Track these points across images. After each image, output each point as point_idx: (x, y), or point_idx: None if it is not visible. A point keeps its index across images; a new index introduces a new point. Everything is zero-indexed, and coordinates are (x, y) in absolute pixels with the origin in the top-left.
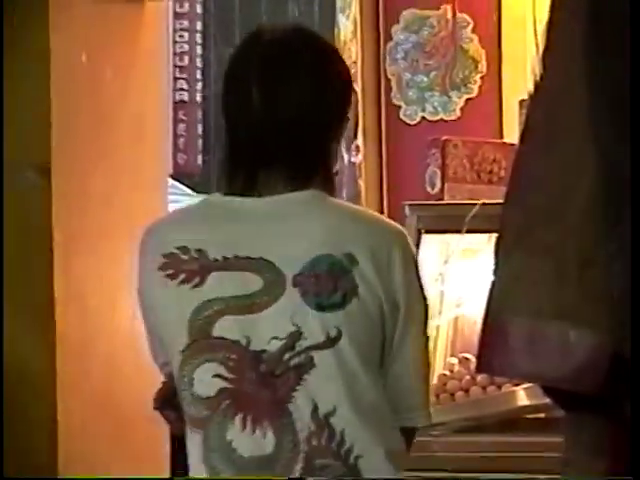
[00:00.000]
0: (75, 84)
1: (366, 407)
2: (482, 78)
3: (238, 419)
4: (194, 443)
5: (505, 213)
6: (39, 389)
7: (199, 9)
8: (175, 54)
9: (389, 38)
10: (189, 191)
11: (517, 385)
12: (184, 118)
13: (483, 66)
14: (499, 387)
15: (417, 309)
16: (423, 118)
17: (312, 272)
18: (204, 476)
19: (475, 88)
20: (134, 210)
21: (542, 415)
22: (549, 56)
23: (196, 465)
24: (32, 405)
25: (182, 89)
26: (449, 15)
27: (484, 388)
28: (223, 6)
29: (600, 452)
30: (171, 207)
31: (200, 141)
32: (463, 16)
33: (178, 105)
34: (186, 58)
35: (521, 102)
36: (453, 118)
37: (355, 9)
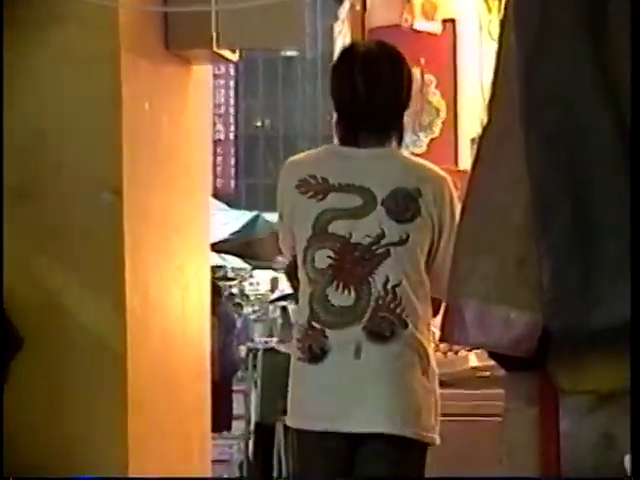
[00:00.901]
0: (140, 125)
1: (417, 284)
2: (442, 122)
3: (335, 283)
4: (305, 295)
5: (462, 221)
6: (115, 354)
7: (232, 71)
8: (214, 105)
9: None
10: (225, 207)
11: (469, 351)
12: (220, 152)
13: (443, 113)
14: (456, 353)
15: (453, 230)
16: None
17: (393, 197)
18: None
19: (437, 130)
20: (184, 221)
21: (488, 373)
22: (493, 105)
23: (302, 307)
24: (109, 364)
25: (219, 130)
26: (418, 76)
27: (445, 353)
28: (248, 69)
29: (532, 401)
30: (212, 219)
31: (233, 170)
32: (429, 77)
33: (216, 142)
34: (222, 107)
35: (472, 140)
36: (421, 152)
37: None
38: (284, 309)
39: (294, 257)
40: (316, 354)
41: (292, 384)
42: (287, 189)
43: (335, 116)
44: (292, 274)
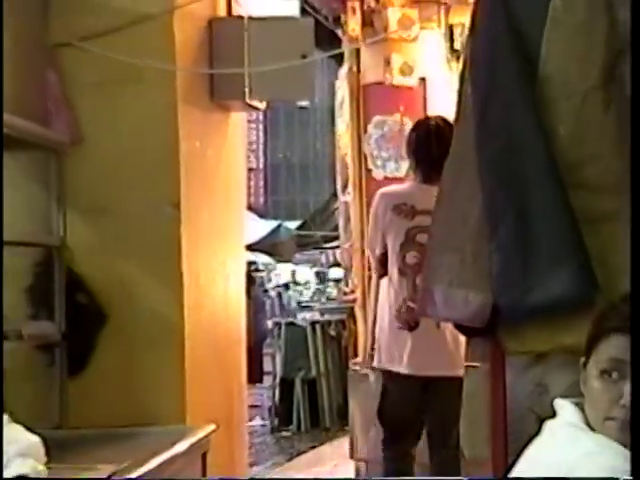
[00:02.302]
0: (193, 157)
1: None
2: None
3: (420, 275)
4: (400, 283)
5: (432, 227)
6: (172, 330)
7: (261, 117)
8: (248, 142)
9: (365, 132)
10: (256, 217)
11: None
12: (253, 177)
13: None
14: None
15: None
16: (385, 177)
17: None
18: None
19: None
20: (226, 228)
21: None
22: (455, 139)
23: (398, 291)
24: (166, 338)
25: (251, 160)
26: (399, 119)
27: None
28: (272, 115)
29: (485, 359)
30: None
31: (262, 190)
32: (407, 119)
33: (250, 170)
34: (254, 144)
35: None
36: (401, 175)
37: (346, 115)
38: (279, 294)
39: (383, 253)
40: (411, 325)
41: (390, 344)
42: (383, 212)
43: (414, 164)
44: (384, 263)
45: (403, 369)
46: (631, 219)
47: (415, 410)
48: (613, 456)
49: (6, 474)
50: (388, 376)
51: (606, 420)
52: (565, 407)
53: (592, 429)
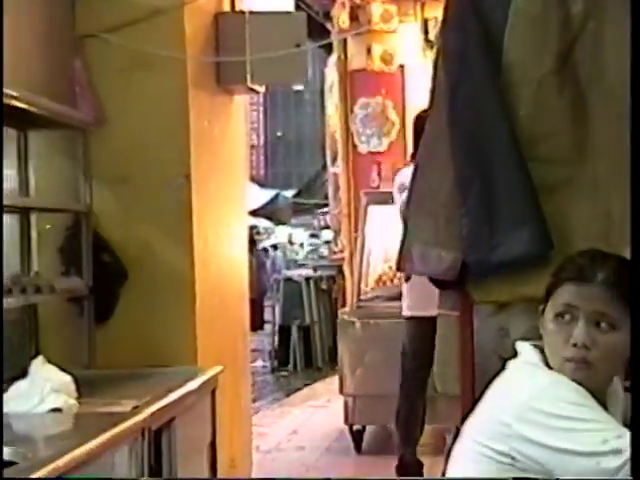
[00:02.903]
0: (201, 135)
1: None
2: (397, 132)
3: None
4: None
5: (410, 195)
6: (184, 284)
7: (261, 100)
8: (250, 121)
9: (352, 112)
10: (257, 187)
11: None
12: (254, 152)
13: (398, 125)
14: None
15: None
16: (368, 151)
17: None
18: None
19: (394, 136)
20: (230, 196)
21: None
22: (429, 118)
23: None
24: (179, 291)
25: (253, 138)
26: (381, 101)
27: (400, 279)
28: (271, 97)
29: (456, 308)
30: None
31: (262, 163)
32: (388, 101)
33: (252, 146)
34: (255, 123)
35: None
36: (382, 151)
37: (335, 98)
38: (265, 250)
39: None
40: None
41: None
42: (397, 189)
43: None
44: None
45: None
46: (631, 219)
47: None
48: (565, 389)
49: (42, 408)
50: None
51: (565, 362)
52: (525, 348)
53: (550, 367)
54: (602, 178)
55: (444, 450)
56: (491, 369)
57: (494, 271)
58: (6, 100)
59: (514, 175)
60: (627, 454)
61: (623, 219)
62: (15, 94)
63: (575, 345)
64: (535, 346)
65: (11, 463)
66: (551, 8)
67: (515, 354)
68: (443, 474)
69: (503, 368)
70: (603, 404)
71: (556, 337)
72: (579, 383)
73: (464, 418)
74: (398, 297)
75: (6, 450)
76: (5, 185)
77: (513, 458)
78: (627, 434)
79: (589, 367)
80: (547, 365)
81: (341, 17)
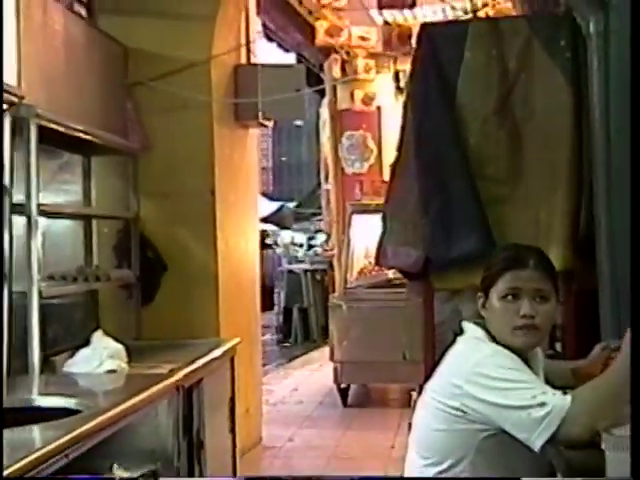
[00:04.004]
0: (224, 159)
1: None
2: (375, 157)
3: None
4: None
5: (385, 206)
6: (210, 274)
7: (270, 132)
8: (260, 149)
9: (340, 142)
10: (266, 200)
11: (389, 270)
12: (264, 172)
13: (375, 152)
14: (383, 270)
15: None
16: (353, 172)
17: None
18: None
19: (372, 160)
20: (245, 206)
21: (399, 282)
22: (401, 149)
23: None
24: (206, 280)
25: (263, 161)
26: (362, 134)
27: (377, 271)
28: (277, 130)
29: (420, 294)
30: (259, 206)
31: (270, 181)
32: (367, 134)
33: (262, 168)
34: (265, 150)
35: (390, 165)
36: (363, 172)
37: (327, 130)
38: (273, 248)
39: None
40: None
41: None
42: None
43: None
44: None
45: None
46: (631, 220)
47: None
48: (503, 357)
49: (101, 370)
50: None
51: (516, 330)
52: (470, 326)
53: (495, 341)
54: (532, 194)
55: (410, 403)
56: (447, 341)
57: (450, 265)
58: (75, 133)
59: (465, 191)
60: (550, 406)
61: (548, 225)
62: (81, 128)
63: (524, 316)
64: (477, 324)
65: (77, 411)
66: (492, 64)
67: (461, 331)
68: (410, 424)
69: (455, 341)
70: (530, 367)
71: (505, 313)
72: (523, 348)
73: (426, 379)
74: (376, 285)
75: (73, 401)
76: (72, 198)
77: (463, 412)
78: (549, 390)
79: (535, 331)
80: (491, 338)
81: (333, 69)
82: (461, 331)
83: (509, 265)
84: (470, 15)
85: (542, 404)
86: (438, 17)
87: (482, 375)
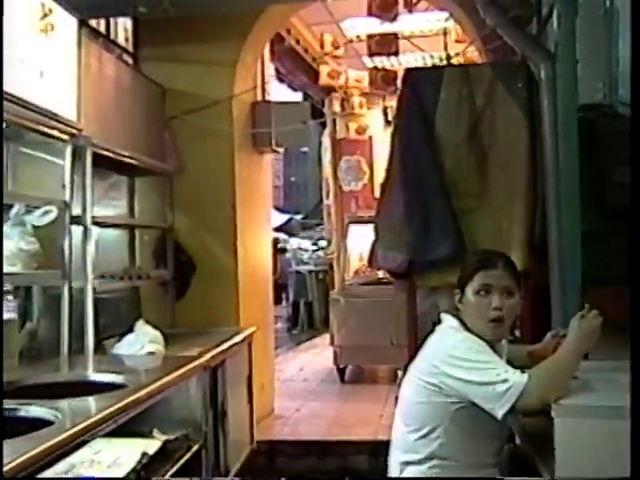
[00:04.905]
0: (243, 179)
1: None
2: (368, 178)
3: None
4: None
5: (377, 217)
6: (231, 274)
7: (281, 157)
8: (273, 170)
9: (338, 165)
10: (278, 213)
11: (378, 270)
12: (275, 190)
13: (368, 173)
14: (374, 271)
15: None
16: (349, 190)
17: None
18: None
19: (365, 180)
20: (260, 218)
21: (387, 280)
22: (389, 170)
23: None
24: (228, 279)
25: (275, 181)
26: (356, 158)
27: (369, 271)
28: (287, 155)
29: (405, 290)
30: (272, 218)
31: (282, 197)
32: (362, 159)
33: (275, 186)
34: (277, 171)
35: (380, 184)
36: (358, 190)
37: (328, 155)
38: (284, 252)
39: None
40: None
41: None
42: None
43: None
44: None
45: None
46: (631, 220)
47: None
48: (473, 343)
49: (142, 352)
50: None
51: (489, 322)
52: (447, 317)
53: (468, 330)
54: (495, 207)
55: (396, 380)
56: (427, 330)
57: (429, 266)
58: (122, 158)
59: (441, 205)
60: (510, 382)
61: (509, 232)
62: (127, 154)
63: (495, 308)
64: (454, 316)
65: (123, 386)
66: (463, 100)
67: (439, 321)
68: (396, 397)
69: (433, 329)
70: (495, 351)
71: (479, 306)
72: (494, 339)
73: (409, 360)
74: (368, 283)
75: (119, 377)
76: (119, 211)
77: (440, 387)
78: (510, 369)
79: (502, 322)
80: (466, 328)
81: (333, 105)
82: (439, 321)
83: (482, 265)
84: (445, 62)
85: (504, 380)
86: (419, 63)
87: (455, 357)
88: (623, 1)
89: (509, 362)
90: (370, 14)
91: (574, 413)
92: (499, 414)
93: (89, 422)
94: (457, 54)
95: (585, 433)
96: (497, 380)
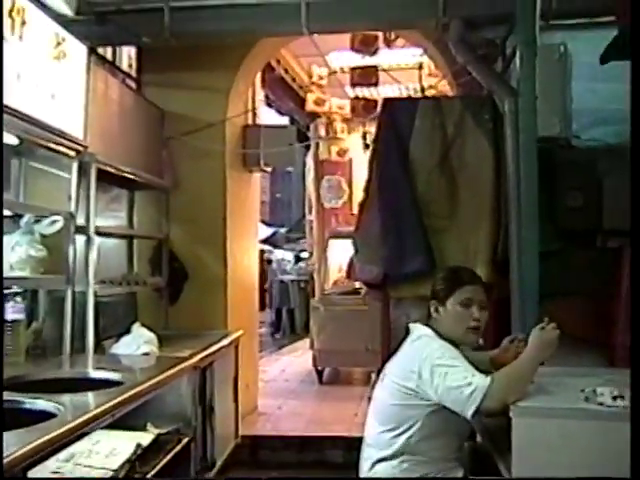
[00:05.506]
0: (233, 195)
1: None
2: (347, 196)
3: None
4: None
5: (356, 233)
6: (221, 281)
7: (268, 175)
8: (261, 187)
9: (320, 183)
10: (264, 226)
11: (355, 281)
12: (263, 205)
13: (347, 192)
14: (351, 282)
15: None
16: (330, 207)
17: None
18: None
19: (345, 198)
20: (248, 230)
21: (362, 291)
22: (368, 190)
23: None
24: (218, 286)
25: (262, 197)
26: (337, 178)
27: (348, 282)
28: (274, 174)
29: (380, 300)
30: (259, 230)
31: (268, 211)
32: (342, 178)
33: (262, 202)
34: (265, 188)
35: (359, 203)
36: (338, 207)
37: (311, 175)
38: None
39: None
40: None
41: None
42: None
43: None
44: None
45: None
46: (631, 220)
47: None
48: (447, 349)
49: (138, 352)
50: None
51: (467, 329)
52: (419, 326)
53: (443, 338)
54: (463, 227)
55: (370, 383)
56: (399, 337)
57: (402, 279)
58: (123, 174)
59: (415, 224)
60: (474, 386)
61: (475, 250)
62: (128, 170)
63: (475, 319)
64: (427, 325)
65: (120, 383)
66: (435, 129)
67: (407, 330)
68: (369, 398)
69: (406, 336)
70: (465, 357)
71: (461, 317)
72: (472, 343)
73: (382, 364)
74: (346, 292)
75: (117, 375)
76: (120, 222)
77: (416, 392)
78: (477, 374)
79: (479, 330)
80: (437, 336)
81: (318, 129)
82: (407, 330)
83: (466, 281)
84: (420, 93)
85: (469, 384)
86: (396, 93)
87: (432, 364)
88: (576, 47)
89: (475, 367)
90: (353, 49)
91: (530, 414)
92: (468, 415)
93: (89, 415)
94: (431, 87)
95: (539, 432)
96: (463, 383)
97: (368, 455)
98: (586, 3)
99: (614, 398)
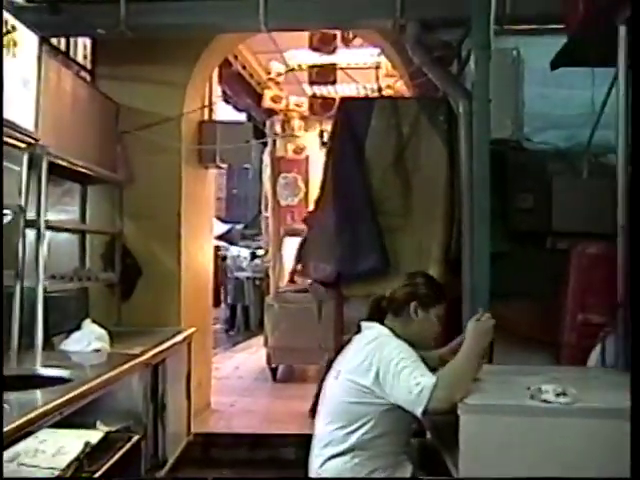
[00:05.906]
0: (188, 191)
1: None
2: (303, 194)
3: None
4: None
5: (308, 231)
6: (175, 278)
7: (224, 172)
8: (217, 184)
9: (277, 181)
10: (219, 222)
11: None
12: (218, 202)
13: (304, 190)
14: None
15: None
16: (286, 204)
17: None
18: None
19: (302, 195)
20: (203, 226)
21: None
22: (323, 187)
23: None
24: (171, 282)
25: (218, 193)
26: (294, 175)
27: (303, 280)
28: (230, 170)
29: (333, 299)
30: (214, 227)
31: (224, 207)
32: (298, 176)
33: (217, 198)
34: (220, 185)
35: (314, 201)
36: (294, 204)
37: (268, 172)
38: (224, 259)
39: None
40: None
41: None
42: None
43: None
44: None
45: None
46: (631, 220)
47: None
48: (405, 348)
49: (89, 348)
50: None
51: (432, 337)
52: (375, 325)
53: (398, 337)
54: (417, 226)
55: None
56: (350, 335)
57: (355, 278)
58: (76, 167)
59: (369, 223)
60: (421, 386)
61: (428, 249)
62: (81, 164)
63: (438, 332)
64: (385, 325)
65: (69, 380)
66: (391, 129)
67: (359, 328)
68: (318, 392)
69: (357, 332)
70: (419, 356)
71: (433, 327)
72: (429, 346)
73: (332, 361)
74: (300, 290)
75: (66, 372)
76: (71, 216)
77: (372, 390)
78: (426, 373)
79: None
80: (394, 335)
81: (275, 126)
82: (359, 328)
83: (445, 298)
84: (376, 93)
85: (417, 384)
86: (353, 93)
87: (388, 363)
88: (529, 53)
89: (426, 364)
90: (311, 47)
91: (477, 411)
92: (418, 413)
93: (35, 413)
94: (388, 87)
95: (486, 428)
96: (413, 384)
97: (319, 452)
98: (539, 10)
99: (557, 395)
